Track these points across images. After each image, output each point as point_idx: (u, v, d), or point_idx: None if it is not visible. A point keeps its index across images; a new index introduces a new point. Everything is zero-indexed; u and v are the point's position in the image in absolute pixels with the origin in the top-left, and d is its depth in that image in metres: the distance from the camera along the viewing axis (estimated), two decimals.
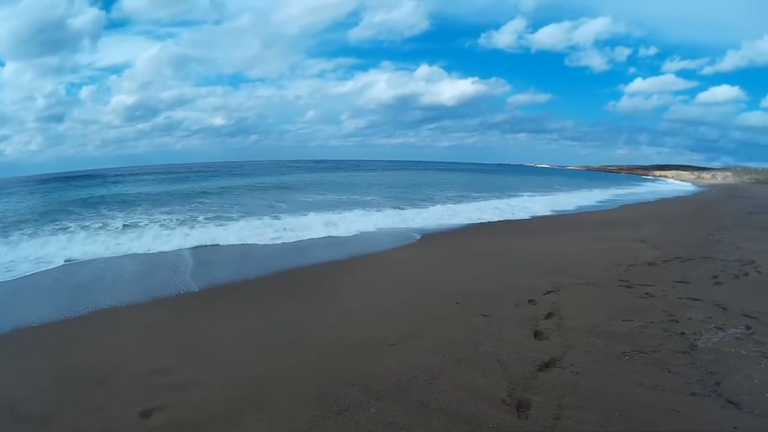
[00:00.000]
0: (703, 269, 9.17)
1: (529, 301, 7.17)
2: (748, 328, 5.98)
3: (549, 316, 6.50)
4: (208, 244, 11.91)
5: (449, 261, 10.40)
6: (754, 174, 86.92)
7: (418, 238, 13.48)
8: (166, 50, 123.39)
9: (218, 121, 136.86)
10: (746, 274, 8.77)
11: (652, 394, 4.41)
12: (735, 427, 3.91)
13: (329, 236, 13.32)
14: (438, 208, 20.93)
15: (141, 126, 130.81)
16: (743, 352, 5.30)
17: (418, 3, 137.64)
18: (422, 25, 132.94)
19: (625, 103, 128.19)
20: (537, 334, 5.83)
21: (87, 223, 15.77)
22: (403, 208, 20.23)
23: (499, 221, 17.54)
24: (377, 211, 19.19)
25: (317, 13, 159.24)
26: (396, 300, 7.53)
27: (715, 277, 8.53)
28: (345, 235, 13.55)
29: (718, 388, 4.52)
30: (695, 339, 5.61)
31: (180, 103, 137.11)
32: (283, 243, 12.43)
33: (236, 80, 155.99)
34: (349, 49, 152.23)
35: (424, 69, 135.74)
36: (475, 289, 7.92)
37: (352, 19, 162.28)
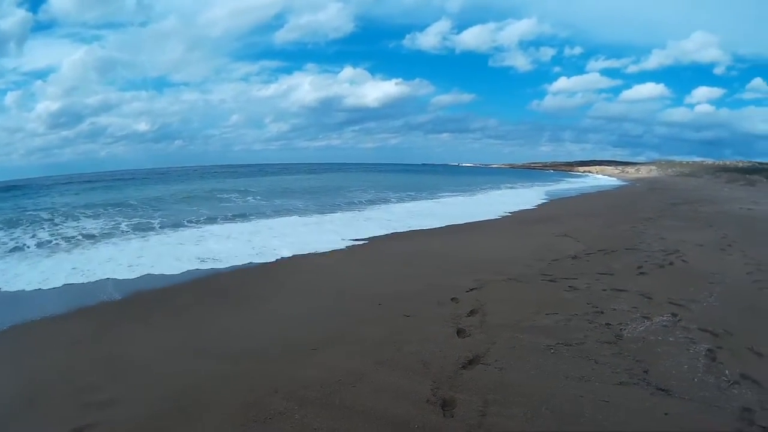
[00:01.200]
0: (627, 260, 9.57)
1: (452, 299, 7.24)
2: (674, 315, 6.27)
3: (472, 313, 6.58)
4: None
5: (373, 264, 10.39)
6: (678, 167, 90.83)
7: (342, 242, 13.37)
8: (92, 53, 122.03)
9: (142, 126, 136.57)
10: (671, 263, 9.20)
11: (579, 386, 4.52)
12: (666, 414, 4.05)
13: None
14: (363, 212, 20.80)
15: (65, 133, 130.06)
16: (671, 339, 5.55)
17: (344, 5, 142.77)
18: (347, 27, 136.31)
19: (548, 102, 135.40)
20: (460, 332, 5.89)
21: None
22: (326, 213, 20.04)
23: (421, 222, 17.52)
24: (301, 216, 18.92)
25: (243, 15, 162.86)
26: (319, 304, 7.48)
27: (640, 267, 8.91)
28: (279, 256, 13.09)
29: (647, 376, 4.70)
30: (621, 329, 5.82)
31: (105, 108, 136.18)
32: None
33: (161, 84, 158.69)
34: (273, 51, 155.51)
35: (348, 71, 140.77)
36: (398, 290, 7.94)
37: (278, 21, 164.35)
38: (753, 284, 7.85)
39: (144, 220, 17.67)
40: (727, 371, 4.74)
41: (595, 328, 5.88)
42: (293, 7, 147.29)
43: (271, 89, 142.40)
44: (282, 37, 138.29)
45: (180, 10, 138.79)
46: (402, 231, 15.34)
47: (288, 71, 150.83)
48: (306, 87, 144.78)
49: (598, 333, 5.71)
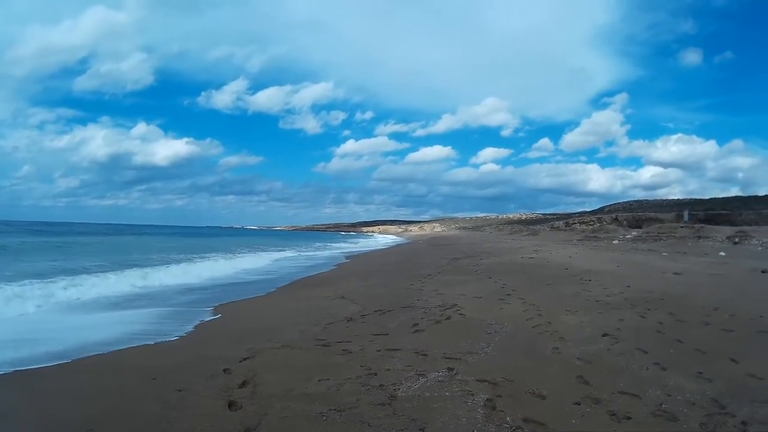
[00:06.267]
0: (402, 319, 10.21)
1: (224, 370, 7.21)
2: (450, 369, 6.77)
3: (244, 384, 6.62)
4: None
5: None
6: (461, 222, 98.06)
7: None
8: None
9: None
10: (448, 318, 9.94)
11: None
12: None
13: None
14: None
15: None
16: (447, 393, 5.98)
17: (147, 56, 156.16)
18: (147, 79, 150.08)
19: (335, 164, 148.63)
20: (232, 405, 5.93)
21: None
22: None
23: (184, 289, 17.22)
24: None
25: (50, 55, 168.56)
26: (89, 380, 7.09)
27: (416, 325, 9.52)
28: None
29: None
30: (395, 389, 6.17)
31: None
32: None
33: None
34: (71, 99, 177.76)
35: (141, 127, 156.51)
36: (170, 362, 7.75)
37: (82, 66, 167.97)
38: (533, 329, 8.78)
39: None
40: (508, 418, 5.21)
41: (368, 390, 6.16)
42: (99, 53, 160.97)
43: (65, 140, 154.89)
44: (82, 84, 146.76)
45: None
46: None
47: (83, 122, 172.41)
48: (98, 141, 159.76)
49: (372, 395, 6.00)
